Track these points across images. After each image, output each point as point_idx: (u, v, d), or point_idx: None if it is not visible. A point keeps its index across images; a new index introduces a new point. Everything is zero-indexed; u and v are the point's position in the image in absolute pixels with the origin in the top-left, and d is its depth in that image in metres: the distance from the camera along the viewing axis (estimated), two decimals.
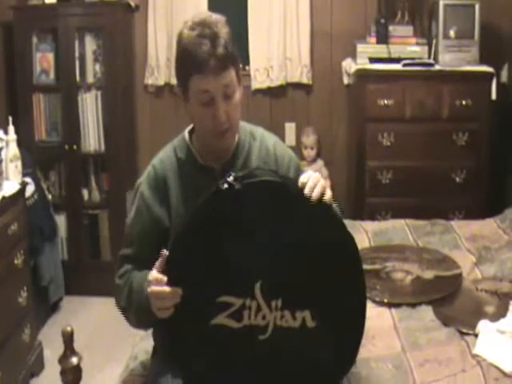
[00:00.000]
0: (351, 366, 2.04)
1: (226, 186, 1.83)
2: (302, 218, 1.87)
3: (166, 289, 1.83)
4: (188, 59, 1.96)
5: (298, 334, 1.90)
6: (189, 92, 2.00)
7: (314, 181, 1.86)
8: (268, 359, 1.92)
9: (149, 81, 4.80)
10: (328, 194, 1.87)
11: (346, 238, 1.91)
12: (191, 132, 2.17)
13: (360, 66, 4.27)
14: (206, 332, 1.90)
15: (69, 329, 2.19)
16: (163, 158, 2.14)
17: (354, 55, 4.41)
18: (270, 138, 2.23)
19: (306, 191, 1.84)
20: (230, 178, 1.83)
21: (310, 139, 4.64)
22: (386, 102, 4.18)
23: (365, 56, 4.30)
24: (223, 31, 1.97)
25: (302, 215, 1.87)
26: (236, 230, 1.87)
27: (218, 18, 2.02)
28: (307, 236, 1.88)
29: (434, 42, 4.28)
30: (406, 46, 4.33)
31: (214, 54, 1.93)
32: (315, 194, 1.83)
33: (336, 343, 1.93)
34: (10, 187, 3.45)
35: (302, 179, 1.86)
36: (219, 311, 1.88)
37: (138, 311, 2.02)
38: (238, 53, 2.02)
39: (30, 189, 3.94)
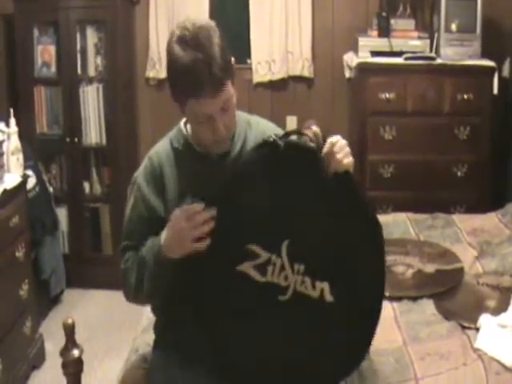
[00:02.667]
0: (363, 355, 2.06)
1: (272, 139, 1.91)
2: (330, 187, 1.93)
3: (200, 207, 1.88)
4: (183, 82, 1.93)
5: (315, 304, 1.93)
6: (185, 109, 1.98)
7: (342, 146, 1.93)
8: (284, 322, 1.95)
9: (150, 74, 4.79)
10: (351, 160, 1.94)
11: (370, 224, 1.99)
12: (186, 122, 2.16)
13: (361, 60, 4.26)
14: (230, 277, 1.94)
15: (70, 321, 2.20)
16: (159, 150, 2.14)
17: (355, 49, 4.39)
18: (266, 125, 2.24)
19: (336, 159, 1.90)
20: (273, 137, 1.92)
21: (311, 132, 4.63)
22: (387, 95, 4.17)
23: (366, 49, 4.29)
24: (216, 49, 1.90)
25: (330, 184, 1.93)
26: (273, 185, 1.93)
27: (207, 27, 1.94)
28: (336, 209, 1.95)
29: (436, 35, 4.27)
30: (408, 39, 4.32)
31: (210, 79, 1.89)
32: (345, 163, 1.91)
33: (349, 327, 1.96)
34: (12, 180, 3.45)
35: (331, 141, 1.93)
36: (246, 258, 1.92)
37: (153, 276, 1.99)
38: (231, 57, 1.97)
39: (32, 181, 3.94)
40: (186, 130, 2.14)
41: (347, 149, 1.94)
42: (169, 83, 2.02)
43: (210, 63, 1.88)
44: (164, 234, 1.96)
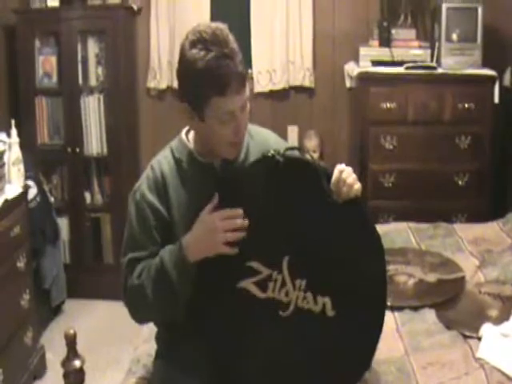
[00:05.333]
0: (365, 369, 2.06)
1: (271, 154, 1.92)
2: (332, 212, 1.94)
3: (240, 212, 1.90)
4: (207, 82, 1.90)
5: (317, 319, 1.94)
6: (204, 112, 1.95)
7: (350, 173, 1.95)
8: (285, 338, 1.95)
9: (151, 84, 4.80)
10: (359, 187, 1.95)
11: (374, 241, 1.98)
12: (187, 133, 2.15)
13: (362, 69, 4.27)
14: (230, 293, 1.94)
15: (72, 331, 2.19)
16: (161, 160, 2.12)
17: (356, 58, 4.40)
18: (267, 135, 2.25)
19: (348, 183, 1.92)
20: (273, 152, 1.92)
21: (312, 142, 4.64)
22: (388, 105, 4.18)
23: (367, 59, 4.30)
24: (236, 45, 1.93)
25: (332, 210, 1.94)
26: (273, 200, 1.94)
27: (222, 27, 1.97)
28: (336, 230, 1.95)
29: (437, 45, 4.27)
30: (409, 49, 4.33)
31: (235, 74, 1.90)
32: (353, 192, 1.93)
33: (351, 341, 1.96)
34: (13, 190, 3.45)
35: (339, 169, 1.94)
36: (247, 275, 1.92)
37: (172, 283, 1.95)
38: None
39: (33, 192, 3.94)
40: (188, 140, 2.13)
41: (354, 175, 1.96)
42: (185, 88, 1.99)
43: (233, 58, 1.91)
44: (190, 234, 1.95)
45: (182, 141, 2.13)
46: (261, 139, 2.19)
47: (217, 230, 1.89)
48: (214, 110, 1.94)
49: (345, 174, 1.93)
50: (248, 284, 1.93)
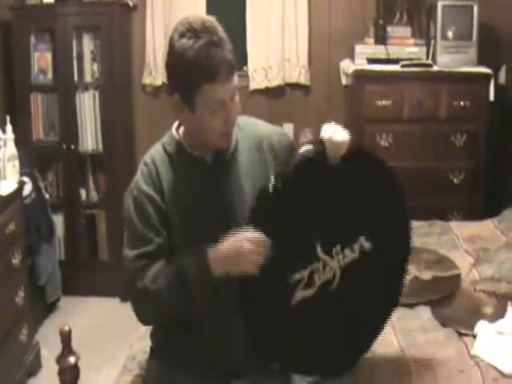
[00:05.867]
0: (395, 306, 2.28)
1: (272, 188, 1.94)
2: (339, 175, 2.02)
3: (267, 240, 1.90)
4: (197, 69, 1.91)
5: (359, 262, 2.08)
6: (195, 101, 1.96)
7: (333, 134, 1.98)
8: (339, 304, 2.07)
9: (146, 80, 4.79)
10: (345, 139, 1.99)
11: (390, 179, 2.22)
12: (177, 128, 2.16)
13: (358, 67, 4.27)
14: (290, 314, 2.01)
15: (66, 328, 2.19)
16: (153, 154, 2.12)
17: (352, 56, 4.40)
18: (257, 125, 2.25)
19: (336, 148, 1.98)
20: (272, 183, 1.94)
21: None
22: (384, 102, 4.18)
23: (363, 57, 4.30)
24: (225, 35, 1.96)
25: (339, 173, 2.01)
26: (304, 200, 1.98)
27: (214, 20, 1.98)
28: (350, 188, 2.06)
29: (432, 42, 4.28)
30: (405, 46, 4.33)
31: (225, 61, 1.92)
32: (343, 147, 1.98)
33: (388, 266, 2.16)
34: (8, 186, 3.44)
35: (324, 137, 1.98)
36: (295, 288, 1.99)
37: (194, 295, 1.97)
38: None
39: (28, 188, 3.93)
40: (179, 134, 2.14)
41: (337, 129, 1.99)
42: (176, 79, 2.00)
43: (222, 46, 1.93)
44: (216, 248, 1.94)
45: (173, 135, 2.14)
46: (251, 130, 2.19)
47: (246, 250, 1.90)
48: (204, 99, 1.94)
49: (327, 136, 1.96)
50: (299, 294, 2.00)
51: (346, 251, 2.05)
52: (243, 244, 1.90)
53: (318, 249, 2.00)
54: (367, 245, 2.09)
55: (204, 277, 1.94)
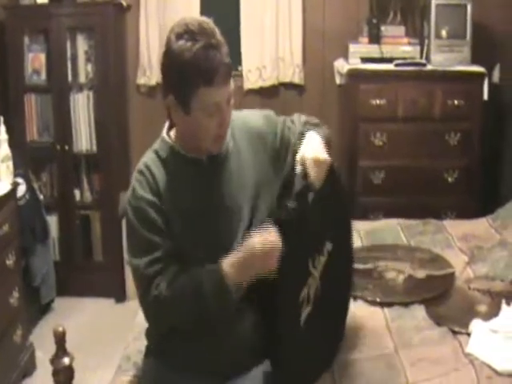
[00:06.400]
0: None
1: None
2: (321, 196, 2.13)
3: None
4: (195, 72, 1.90)
5: (327, 261, 2.19)
6: (191, 104, 1.95)
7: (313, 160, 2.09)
8: (323, 306, 2.18)
9: (141, 81, 4.79)
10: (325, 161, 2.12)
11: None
12: (168, 132, 2.14)
13: (352, 66, 4.27)
14: (302, 338, 2.11)
15: (61, 329, 2.19)
16: (146, 162, 2.10)
17: (346, 55, 4.41)
18: (244, 116, 2.25)
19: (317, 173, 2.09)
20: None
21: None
22: (378, 101, 4.18)
23: (357, 56, 4.31)
24: (222, 38, 1.95)
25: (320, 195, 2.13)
26: (305, 231, 2.07)
27: (211, 23, 1.97)
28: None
29: (426, 41, 4.28)
30: (398, 46, 4.33)
31: (222, 64, 1.91)
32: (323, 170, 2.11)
33: (342, 256, 2.33)
34: (2, 187, 3.44)
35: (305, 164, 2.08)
36: (301, 308, 2.09)
37: (212, 308, 1.98)
38: None
39: (22, 189, 3.93)
40: (171, 138, 2.12)
41: (316, 154, 2.10)
42: (172, 81, 1.98)
43: (220, 49, 1.92)
44: (229, 259, 1.96)
45: (165, 140, 2.12)
46: (240, 123, 2.19)
47: (261, 255, 1.93)
48: (200, 102, 1.93)
49: (309, 163, 2.06)
50: (304, 312, 2.11)
51: (321, 257, 2.16)
52: (256, 248, 1.92)
53: (310, 264, 2.11)
54: (330, 245, 2.20)
55: (220, 290, 1.94)
